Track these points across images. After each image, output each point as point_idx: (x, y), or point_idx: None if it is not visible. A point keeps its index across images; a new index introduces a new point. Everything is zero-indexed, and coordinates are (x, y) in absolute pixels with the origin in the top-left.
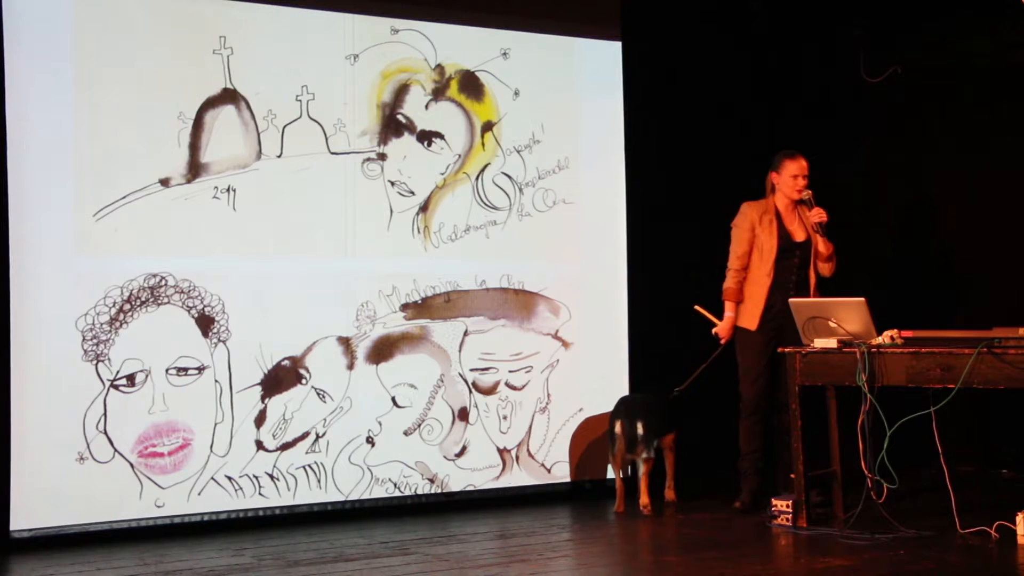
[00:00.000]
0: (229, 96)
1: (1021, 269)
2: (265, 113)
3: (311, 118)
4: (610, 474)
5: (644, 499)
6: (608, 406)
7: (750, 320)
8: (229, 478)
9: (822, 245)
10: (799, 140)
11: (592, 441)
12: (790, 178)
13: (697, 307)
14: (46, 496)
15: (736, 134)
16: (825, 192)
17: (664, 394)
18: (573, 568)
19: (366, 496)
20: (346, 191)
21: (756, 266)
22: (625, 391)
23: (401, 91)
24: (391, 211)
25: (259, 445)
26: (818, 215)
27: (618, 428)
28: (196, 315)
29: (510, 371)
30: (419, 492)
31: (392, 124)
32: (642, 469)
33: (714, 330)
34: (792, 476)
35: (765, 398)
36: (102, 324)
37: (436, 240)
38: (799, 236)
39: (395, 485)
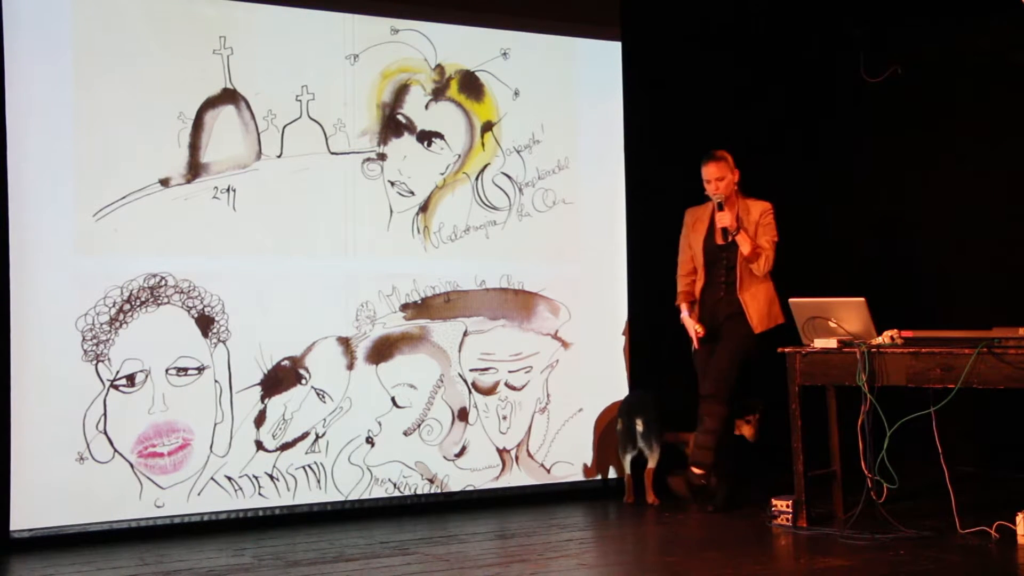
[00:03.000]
0: (229, 96)
1: (1021, 269)
2: (265, 113)
3: (311, 118)
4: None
5: (651, 497)
6: (608, 407)
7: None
8: (229, 478)
9: (742, 246)
10: (799, 140)
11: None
12: (705, 183)
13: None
14: (46, 496)
15: (736, 134)
16: (825, 191)
17: (666, 390)
18: (573, 568)
19: (366, 496)
20: (346, 191)
21: (698, 270)
22: (625, 391)
23: (401, 91)
24: (391, 211)
25: (259, 445)
26: (720, 220)
27: (620, 425)
28: (196, 315)
29: (510, 371)
30: (419, 492)
31: (392, 124)
32: (647, 467)
33: (689, 333)
34: (694, 471)
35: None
36: (102, 324)
37: (436, 240)
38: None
39: (395, 485)
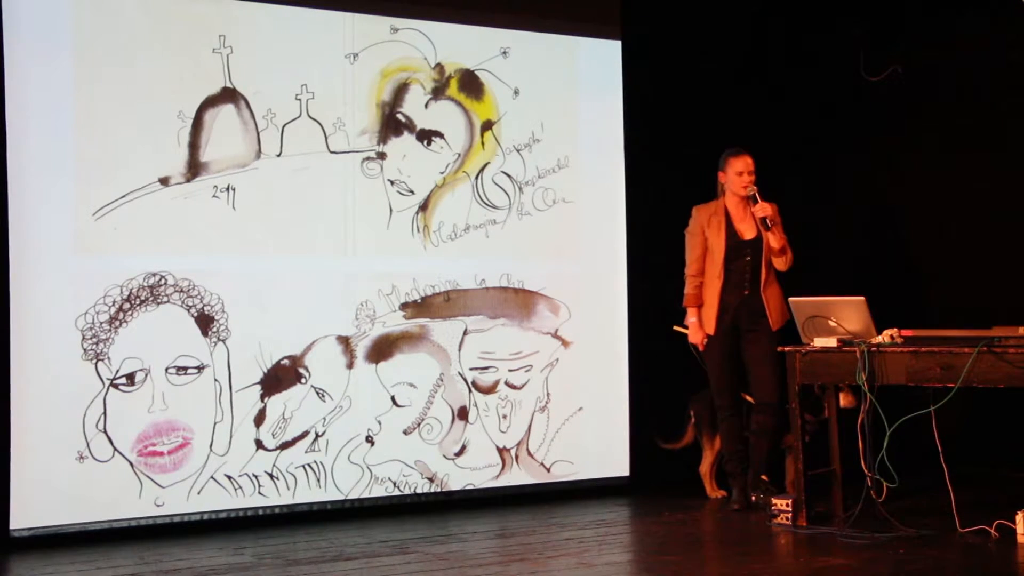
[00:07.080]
0: (229, 95)
1: (1021, 269)
2: (265, 112)
3: (311, 117)
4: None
5: (710, 491)
6: (608, 405)
7: (707, 323)
8: (229, 477)
9: (772, 240)
10: (799, 140)
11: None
12: (735, 175)
13: (676, 327)
14: (46, 495)
15: (736, 133)
16: (825, 191)
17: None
18: (573, 568)
19: (366, 495)
20: (346, 190)
21: (709, 268)
22: (625, 391)
23: (401, 90)
24: (391, 210)
25: (259, 444)
26: (762, 210)
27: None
28: (196, 314)
29: (510, 370)
30: (418, 491)
31: (392, 123)
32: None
33: (689, 340)
34: (764, 478)
35: (738, 397)
36: (102, 323)
37: (436, 239)
38: (749, 234)
39: (395, 484)
